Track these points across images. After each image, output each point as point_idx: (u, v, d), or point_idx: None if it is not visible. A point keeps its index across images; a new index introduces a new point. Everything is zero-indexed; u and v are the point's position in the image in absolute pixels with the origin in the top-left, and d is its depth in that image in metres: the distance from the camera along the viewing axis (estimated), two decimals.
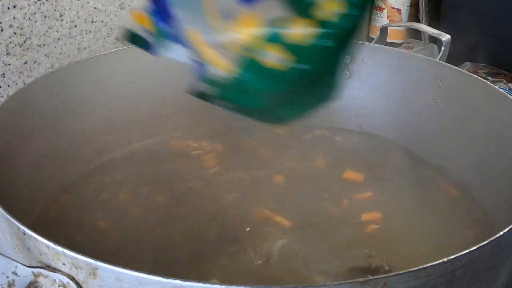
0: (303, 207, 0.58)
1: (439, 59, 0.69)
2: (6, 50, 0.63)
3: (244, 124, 0.73)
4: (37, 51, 0.65)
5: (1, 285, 0.34)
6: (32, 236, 0.35)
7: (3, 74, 0.63)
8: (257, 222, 0.55)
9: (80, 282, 0.33)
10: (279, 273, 0.48)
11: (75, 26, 0.68)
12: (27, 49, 0.64)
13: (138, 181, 0.62)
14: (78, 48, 0.70)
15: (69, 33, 0.68)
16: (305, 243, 0.52)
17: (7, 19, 0.62)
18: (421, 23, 1.12)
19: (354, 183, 0.63)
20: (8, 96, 0.62)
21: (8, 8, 0.61)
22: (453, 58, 0.86)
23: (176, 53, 0.40)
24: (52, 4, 0.65)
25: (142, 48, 0.41)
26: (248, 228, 0.54)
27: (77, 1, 0.67)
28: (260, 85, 0.38)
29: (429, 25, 1.02)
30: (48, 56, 0.67)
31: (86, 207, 0.57)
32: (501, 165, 0.56)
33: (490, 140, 0.59)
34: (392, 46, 0.81)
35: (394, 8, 1.06)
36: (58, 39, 0.67)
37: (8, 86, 0.64)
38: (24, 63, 0.65)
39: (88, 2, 0.69)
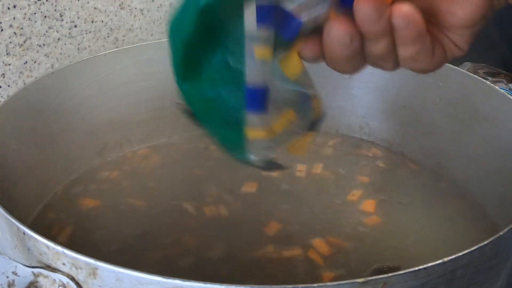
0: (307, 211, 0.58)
1: None
2: (6, 50, 0.63)
3: None
4: (37, 51, 0.65)
5: (1, 285, 0.34)
6: (32, 236, 0.35)
7: (3, 74, 0.63)
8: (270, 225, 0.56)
9: (80, 282, 0.33)
10: None
11: (75, 26, 0.68)
12: (27, 49, 0.64)
13: (138, 181, 0.62)
14: (78, 48, 0.70)
15: (69, 33, 0.68)
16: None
17: (7, 19, 0.62)
18: None
19: (353, 185, 0.63)
20: (8, 96, 0.62)
21: (8, 8, 0.61)
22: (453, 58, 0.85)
23: None
24: (52, 4, 0.65)
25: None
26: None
27: (77, 1, 0.67)
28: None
29: None
30: (48, 56, 0.67)
31: (86, 207, 0.57)
32: (501, 165, 0.56)
33: (490, 140, 0.59)
34: None
35: None
36: (58, 39, 0.67)
37: (8, 86, 0.64)
38: (24, 63, 0.65)
39: (88, 2, 0.69)
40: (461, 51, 0.33)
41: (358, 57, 0.33)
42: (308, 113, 0.37)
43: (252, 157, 0.37)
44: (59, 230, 0.54)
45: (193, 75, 0.35)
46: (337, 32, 0.31)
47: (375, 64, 0.34)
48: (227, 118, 0.36)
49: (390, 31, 0.31)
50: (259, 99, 0.34)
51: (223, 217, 0.56)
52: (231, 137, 0.37)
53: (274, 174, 0.63)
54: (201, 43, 0.33)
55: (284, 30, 0.32)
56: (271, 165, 0.39)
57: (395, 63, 0.33)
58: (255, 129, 0.35)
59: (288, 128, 0.36)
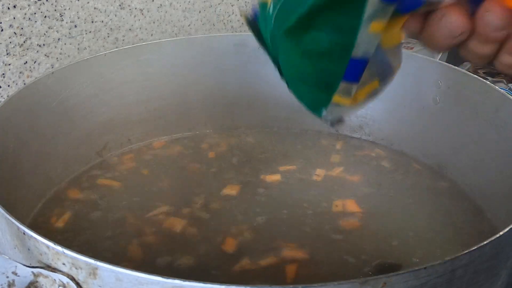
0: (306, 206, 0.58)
1: (439, 59, 0.68)
2: (6, 50, 0.63)
3: (240, 124, 0.74)
4: (37, 51, 0.65)
5: (1, 285, 0.34)
6: (32, 236, 0.35)
7: (3, 74, 0.63)
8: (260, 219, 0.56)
9: (80, 282, 0.33)
10: None
11: (75, 26, 0.68)
12: (27, 49, 0.64)
13: (138, 181, 0.62)
14: (78, 48, 0.70)
15: (69, 33, 0.68)
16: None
17: (7, 19, 0.62)
18: None
19: (352, 184, 0.63)
20: (8, 96, 0.62)
21: (8, 8, 0.61)
22: (453, 58, 0.85)
23: None
24: (52, 4, 0.65)
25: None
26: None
27: (77, 1, 0.67)
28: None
29: None
30: (48, 56, 0.67)
31: (86, 207, 0.57)
32: (501, 165, 0.56)
33: (490, 140, 0.59)
34: None
35: None
36: (58, 39, 0.67)
37: (8, 86, 0.64)
38: (24, 63, 0.65)
39: (88, 2, 0.69)
40: None
41: (456, 45, 0.32)
42: (388, 81, 0.38)
43: (326, 115, 0.39)
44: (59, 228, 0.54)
45: (302, 29, 0.35)
46: (451, 20, 0.30)
47: (467, 57, 0.33)
48: (318, 78, 0.37)
49: (505, 39, 0.30)
50: (358, 70, 0.35)
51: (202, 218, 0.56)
52: (314, 96, 0.38)
53: (280, 178, 0.63)
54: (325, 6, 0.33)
55: (404, 5, 0.32)
56: (338, 122, 0.41)
57: (488, 61, 0.32)
58: (343, 96, 0.37)
59: (370, 96, 0.38)
